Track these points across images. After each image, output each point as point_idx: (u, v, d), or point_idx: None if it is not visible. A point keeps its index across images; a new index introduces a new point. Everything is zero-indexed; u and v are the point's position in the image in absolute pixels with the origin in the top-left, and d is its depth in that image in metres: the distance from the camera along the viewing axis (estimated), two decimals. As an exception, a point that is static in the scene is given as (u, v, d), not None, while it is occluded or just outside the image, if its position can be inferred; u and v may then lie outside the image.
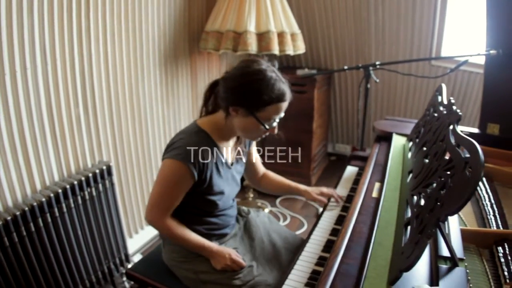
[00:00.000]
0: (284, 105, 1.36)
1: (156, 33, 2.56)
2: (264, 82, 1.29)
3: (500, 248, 1.14)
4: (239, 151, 1.57)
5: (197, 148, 1.35)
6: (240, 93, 1.32)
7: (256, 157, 1.75)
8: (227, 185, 1.49)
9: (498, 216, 1.33)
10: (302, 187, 1.76)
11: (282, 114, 1.39)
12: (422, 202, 1.10)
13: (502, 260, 1.10)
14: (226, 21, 2.66)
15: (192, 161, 1.33)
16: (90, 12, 2.03)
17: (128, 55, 2.35)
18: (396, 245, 1.11)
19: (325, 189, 1.73)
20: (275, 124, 1.40)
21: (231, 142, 1.52)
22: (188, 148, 1.34)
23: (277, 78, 1.32)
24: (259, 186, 1.84)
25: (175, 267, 1.54)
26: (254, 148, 1.71)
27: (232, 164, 1.53)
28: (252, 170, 1.77)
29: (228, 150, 1.51)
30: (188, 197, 1.42)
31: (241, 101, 1.32)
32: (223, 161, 1.46)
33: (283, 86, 1.33)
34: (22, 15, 1.70)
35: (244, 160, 1.62)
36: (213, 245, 1.47)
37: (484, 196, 1.46)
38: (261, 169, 1.82)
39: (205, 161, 1.36)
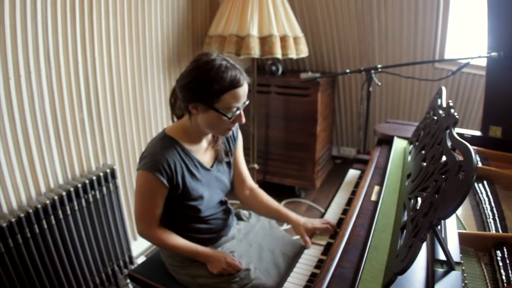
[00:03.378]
0: (241, 91, 1.31)
1: (159, 38, 2.58)
2: (212, 71, 1.26)
3: (498, 252, 1.14)
4: (219, 151, 1.53)
5: (161, 155, 1.33)
6: (193, 88, 1.29)
7: (241, 163, 1.67)
8: (206, 189, 1.46)
9: (498, 220, 1.33)
10: (293, 216, 1.61)
11: (243, 101, 1.34)
12: (419, 205, 1.10)
13: (501, 264, 1.09)
14: (229, 26, 2.68)
15: (158, 169, 1.31)
16: (94, 16, 2.05)
17: (131, 60, 2.37)
18: (392, 248, 1.11)
19: (318, 224, 1.55)
20: (238, 112, 1.34)
21: (204, 143, 1.49)
22: (152, 156, 1.33)
23: (228, 65, 1.28)
24: (244, 202, 1.72)
25: (173, 271, 1.56)
26: (240, 152, 1.65)
27: (212, 166, 1.50)
28: (237, 177, 1.67)
29: (202, 152, 1.48)
30: (169, 205, 1.41)
31: (196, 96, 1.29)
32: (197, 164, 1.44)
33: (235, 72, 1.29)
34: (26, 19, 1.73)
35: (230, 159, 1.58)
36: (207, 250, 1.47)
37: (484, 200, 1.45)
38: (249, 182, 1.70)
39: (172, 167, 1.34)
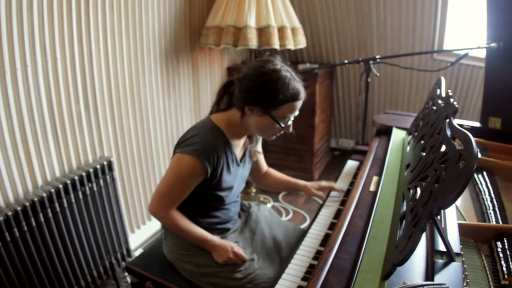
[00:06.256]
0: (299, 103, 1.37)
1: (156, 29, 2.56)
2: (279, 81, 1.31)
3: (499, 243, 1.13)
4: (249, 150, 1.58)
5: (213, 145, 1.36)
6: (256, 92, 1.33)
7: (260, 155, 1.76)
8: (235, 182, 1.51)
9: (498, 211, 1.32)
10: (301, 182, 1.77)
11: (296, 113, 1.40)
12: (418, 195, 1.09)
13: (501, 255, 1.09)
14: (226, 17, 2.66)
15: (208, 158, 1.34)
16: (90, 8, 2.03)
17: (128, 51, 2.35)
18: (391, 239, 1.10)
19: (324, 183, 1.74)
20: (289, 122, 1.41)
21: (242, 140, 1.53)
22: (205, 145, 1.35)
23: (291, 77, 1.34)
24: (259, 183, 1.86)
25: (176, 260, 1.55)
26: (259, 145, 1.71)
27: (241, 160, 1.54)
28: (255, 166, 1.75)
29: (239, 148, 1.52)
30: (196, 191, 1.42)
31: (257, 101, 1.34)
32: (233, 158, 1.47)
33: (298, 85, 1.35)
34: (22, 12, 1.70)
35: (253, 158, 1.64)
36: (215, 238, 1.48)
37: (484, 191, 1.44)
38: (264, 166, 1.82)
39: (218, 159, 1.37)
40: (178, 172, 1.38)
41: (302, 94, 1.37)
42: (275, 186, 1.84)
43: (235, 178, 1.51)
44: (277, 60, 1.38)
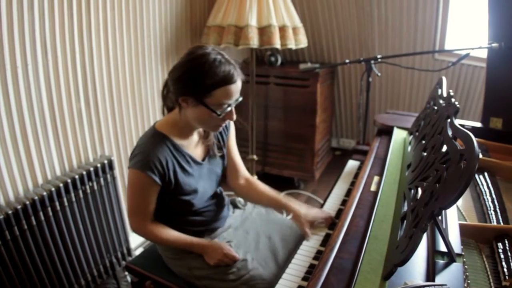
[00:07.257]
0: (234, 87, 1.27)
1: (157, 28, 2.55)
2: (206, 65, 1.22)
3: (500, 244, 1.13)
4: (211, 145, 1.50)
5: (153, 152, 1.31)
6: (185, 81, 1.26)
7: (234, 153, 1.65)
8: (199, 183, 1.45)
9: (499, 212, 1.31)
10: (293, 206, 1.54)
11: (236, 98, 1.31)
12: (419, 195, 1.09)
13: (502, 256, 1.08)
14: (227, 16, 2.65)
15: (150, 167, 1.29)
16: (91, 6, 2.03)
17: (129, 50, 2.35)
18: (392, 239, 1.10)
19: (319, 214, 1.53)
20: (229, 109, 1.30)
21: (195, 137, 1.46)
22: (144, 155, 1.30)
23: (222, 60, 1.25)
24: (239, 192, 1.70)
25: (169, 263, 1.55)
26: (232, 142, 1.62)
27: (204, 159, 1.48)
28: (230, 167, 1.66)
29: (193, 146, 1.45)
30: (163, 200, 1.40)
31: (187, 90, 1.26)
32: (188, 159, 1.41)
33: (230, 67, 1.25)
34: (23, 10, 1.70)
35: (223, 152, 1.56)
36: (203, 241, 1.46)
37: (485, 191, 1.44)
38: (243, 172, 1.69)
39: (164, 164, 1.32)
40: (131, 187, 1.35)
41: (236, 77, 1.26)
42: (257, 198, 1.66)
43: (198, 178, 1.44)
44: (210, 46, 1.31)
